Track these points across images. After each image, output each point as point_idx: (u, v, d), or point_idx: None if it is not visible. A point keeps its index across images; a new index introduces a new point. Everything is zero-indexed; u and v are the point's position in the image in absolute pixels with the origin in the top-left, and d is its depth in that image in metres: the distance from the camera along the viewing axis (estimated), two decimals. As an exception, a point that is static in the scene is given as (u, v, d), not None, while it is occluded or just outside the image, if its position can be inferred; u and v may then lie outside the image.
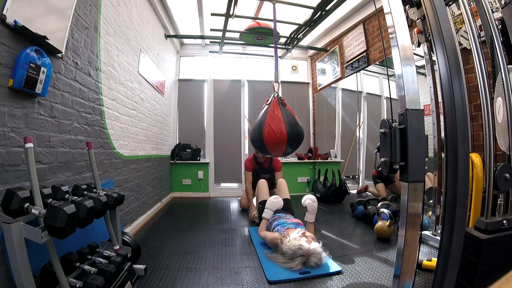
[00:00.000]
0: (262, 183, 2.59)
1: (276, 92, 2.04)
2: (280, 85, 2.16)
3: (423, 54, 1.78)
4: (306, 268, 1.57)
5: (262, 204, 2.34)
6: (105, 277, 1.10)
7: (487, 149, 1.35)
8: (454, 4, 1.72)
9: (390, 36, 1.04)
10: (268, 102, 2.02)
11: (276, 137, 1.85)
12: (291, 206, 2.35)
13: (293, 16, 3.11)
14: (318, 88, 4.48)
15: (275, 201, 2.12)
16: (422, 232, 1.91)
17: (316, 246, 1.64)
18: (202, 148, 4.27)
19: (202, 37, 3.92)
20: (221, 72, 4.51)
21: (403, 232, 0.98)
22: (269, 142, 1.88)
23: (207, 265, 1.68)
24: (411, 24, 1.40)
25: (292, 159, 4.42)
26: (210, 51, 4.36)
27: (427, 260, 1.56)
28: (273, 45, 2.83)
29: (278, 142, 1.87)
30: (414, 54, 1.05)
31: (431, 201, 1.97)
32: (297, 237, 1.70)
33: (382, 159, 1.01)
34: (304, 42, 4.06)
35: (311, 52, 4.63)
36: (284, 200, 2.36)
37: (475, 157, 1.44)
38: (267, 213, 2.09)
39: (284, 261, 1.61)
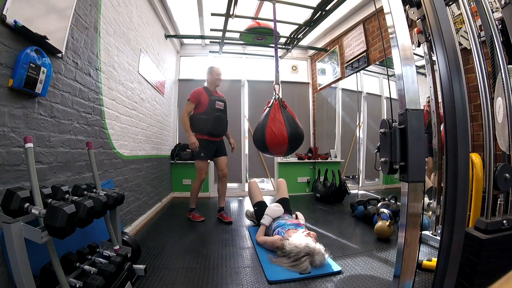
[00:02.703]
0: (254, 184, 2.56)
1: (277, 94, 2.08)
2: (280, 85, 2.18)
3: (423, 54, 1.78)
4: None
5: (257, 206, 2.34)
6: (105, 277, 1.11)
7: (487, 149, 1.35)
8: (454, 4, 1.71)
9: (390, 36, 1.04)
10: (270, 104, 2.08)
11: (278, 139, 1.95)
12: (289, 206, 2.35)
13: (293, 16, 3.11)
14: (318, 88, 4.48)
15: (276, 209, 2.11)
16: (422, 232, 1.91)
17: (320, 246, 1.65)
18: (202, 148, 4.26)
19: (202, 37, 3.92)
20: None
21: (403, 232, 0.98)
22: (271, 143, 1.99)
23: (207, 265, 1.68)
24: (411, 24, 1.40)
25: (292, 159, 4.41)
26: (210, 51, 4.36)
27: (427, 260, 1.56)
28: (273, 45, 2.82)
29: (280, 144, 1.97)
30: (414, 54, 1.05)
31: (431, 201, 1.97)
32: (302, 236, 1.70)
33: (382, 159, 1.01)
34: (304, 42, 4.06)
35: (311, 52, 4.63)
36: (282, 199, 2.36)
37: (475, 157, 1.44)
38: (266, 220, 2.07)
39: (291, 264, 1.58)
